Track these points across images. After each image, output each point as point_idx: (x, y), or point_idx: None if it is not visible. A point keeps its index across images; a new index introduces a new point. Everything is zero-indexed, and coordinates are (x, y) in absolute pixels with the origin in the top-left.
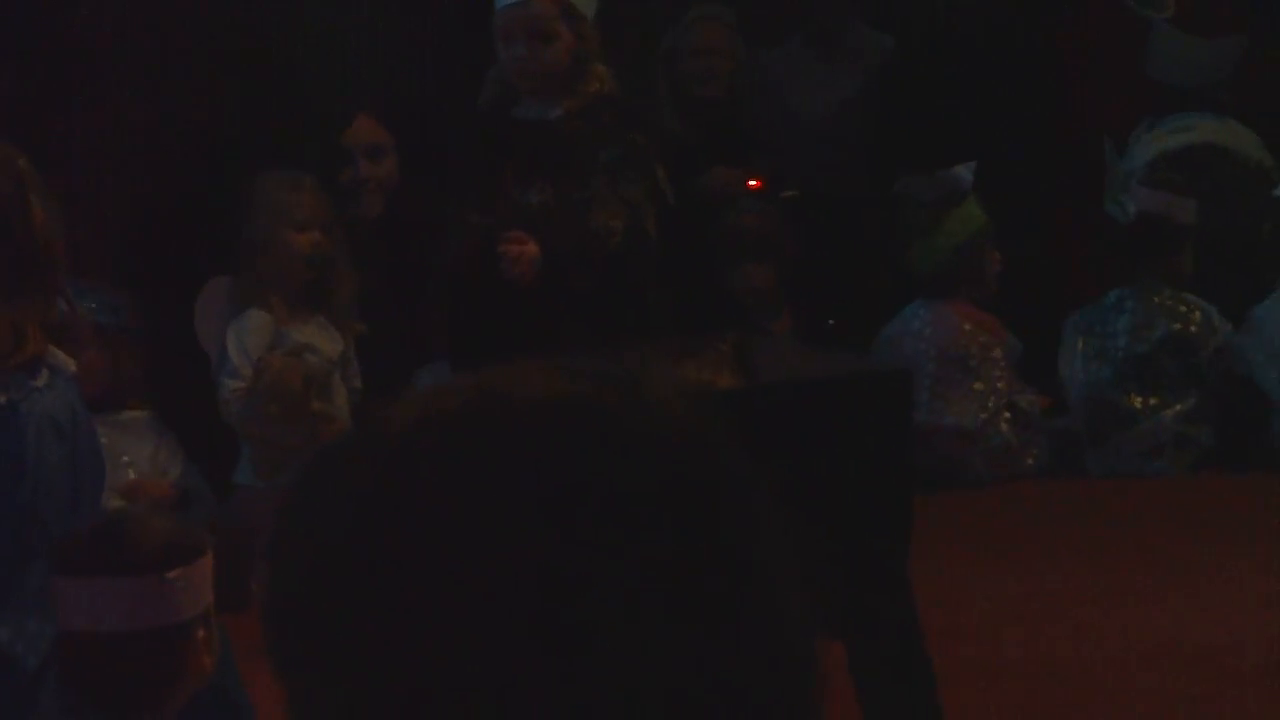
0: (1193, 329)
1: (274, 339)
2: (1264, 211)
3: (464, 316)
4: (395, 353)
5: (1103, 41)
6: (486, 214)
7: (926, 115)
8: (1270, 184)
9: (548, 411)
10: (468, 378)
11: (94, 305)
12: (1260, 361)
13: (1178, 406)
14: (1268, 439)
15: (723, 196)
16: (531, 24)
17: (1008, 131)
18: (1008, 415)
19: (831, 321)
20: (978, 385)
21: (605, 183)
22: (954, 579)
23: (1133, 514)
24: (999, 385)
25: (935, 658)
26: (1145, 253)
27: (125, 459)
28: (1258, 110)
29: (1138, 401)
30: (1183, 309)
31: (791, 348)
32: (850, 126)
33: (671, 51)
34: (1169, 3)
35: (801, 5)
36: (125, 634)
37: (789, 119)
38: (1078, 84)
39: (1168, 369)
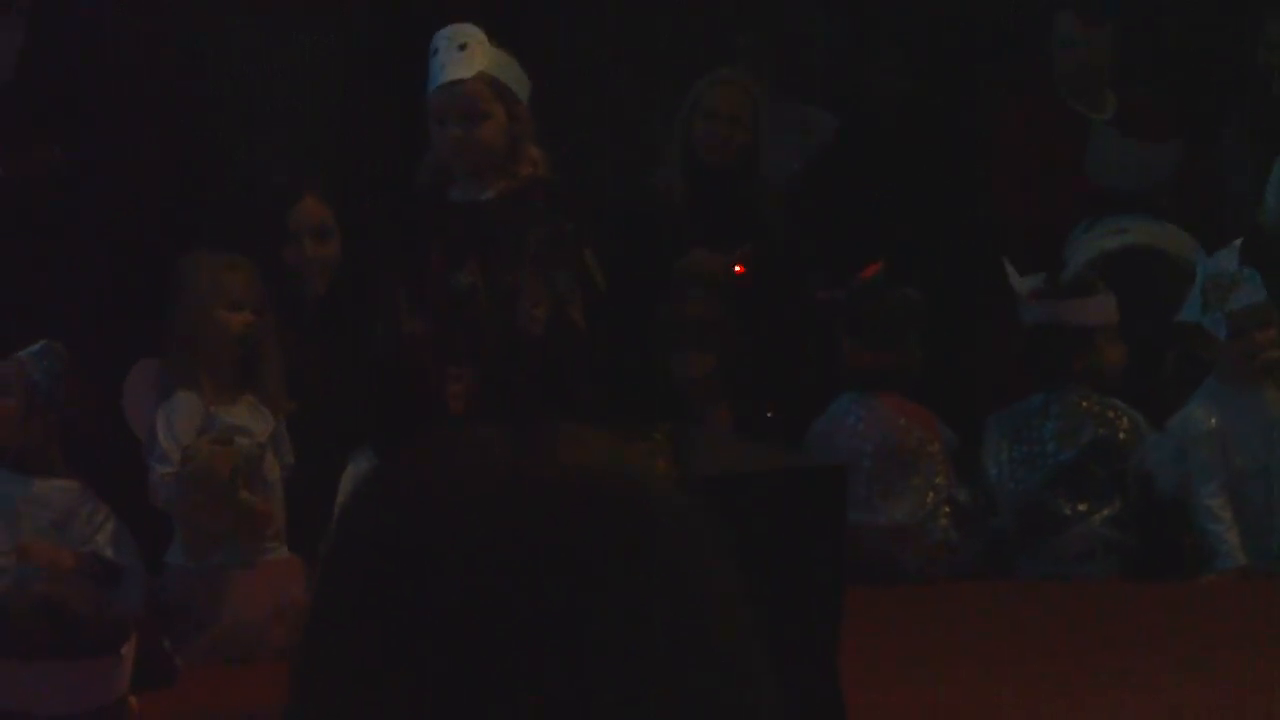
0: (1121, 435)
1: (204, 422)
2: (1175, 333)
3: (388, 408)
4: (334, 430)
5: (1041, 141)
6: (419, 314)
7: (856, 209)
8: None
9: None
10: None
11: (39, 362)
12: (1172, 473)
13: (1106, 511)
14: (1183, 547)
15: (704, 280)
16: (464, 104)
17: (933, 226)
18: (947, 510)
19: (770, 414)
20: (916, 480)
21: (532, 270)
22: (884, 678)
23: (1062, 617)
24: (937, 480)
25: None
26: (1050, 361)
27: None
28: (1194, 215)
29: (1067, 508)
30: (1110, 415)
31: (726, 439)
32: (796, 204)
33: (688, 112)
34: (1109, 104)
35: None
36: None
37: None
38: (1012, 181)
39: (1095, 474)
